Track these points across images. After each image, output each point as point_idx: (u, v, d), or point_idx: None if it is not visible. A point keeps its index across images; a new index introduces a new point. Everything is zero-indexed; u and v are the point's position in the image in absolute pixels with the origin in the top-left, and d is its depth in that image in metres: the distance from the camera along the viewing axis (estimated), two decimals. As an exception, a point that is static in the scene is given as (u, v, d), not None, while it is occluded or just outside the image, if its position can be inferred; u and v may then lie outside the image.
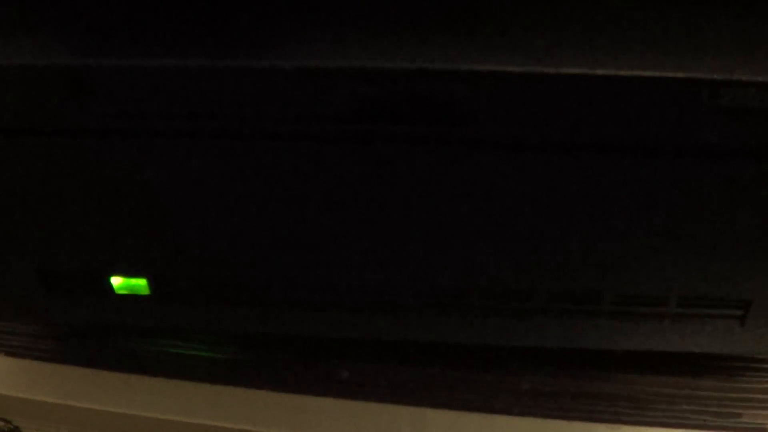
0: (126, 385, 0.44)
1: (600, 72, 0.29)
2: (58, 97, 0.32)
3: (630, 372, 0.42)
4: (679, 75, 0.29)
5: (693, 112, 0.29)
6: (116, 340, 0.45)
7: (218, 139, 0.33)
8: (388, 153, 0.32)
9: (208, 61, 0.31)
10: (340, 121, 0.31)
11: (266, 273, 0.39)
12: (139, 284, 0.40)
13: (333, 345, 0.43)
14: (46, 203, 0.36)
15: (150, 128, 0.33)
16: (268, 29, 0.32)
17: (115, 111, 0.32)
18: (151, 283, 0.40)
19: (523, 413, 0.41)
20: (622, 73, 0.29)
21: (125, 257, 0.39)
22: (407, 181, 0.33)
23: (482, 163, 0.32)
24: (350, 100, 0.31)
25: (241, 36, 0.32)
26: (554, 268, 0.36)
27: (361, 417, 0.41)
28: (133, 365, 0.44)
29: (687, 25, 0.30)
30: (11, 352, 0.46)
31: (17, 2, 0.33)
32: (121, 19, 0.33)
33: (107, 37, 0.32)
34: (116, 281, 0.40)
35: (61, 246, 0.38)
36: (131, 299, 0.41)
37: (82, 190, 0.35)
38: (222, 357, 0.44)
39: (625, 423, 0.40)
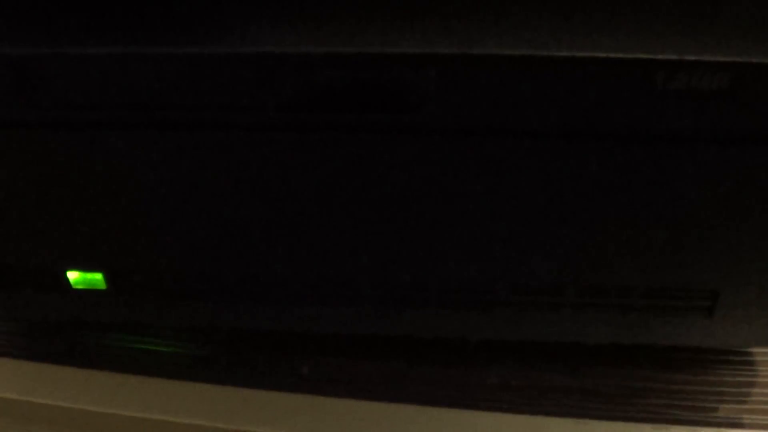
0: (88, 382, 0.43)
1: (550, 54, 0.28)
2: (2, 88, 0.31)
3: (599, 366, 0.41)
4: (632, 56, 0.28)
5: (648, 95, 0.28)
6: (78, 335, 0.44)
7: (170, 129, 0.32)
8: (341, 141, 0.32)
9: (156, 49, 0.30)
10: (293, 108, 0.31)
11: (223, 266, 0.38)
12: (96, 278, 0.39)
13: (294, 340, 0.42)
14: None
15: (100, 119, 0.32)
16: (214, 15, 0.31)
17: (64, 102, 0.32)
18: (108, 277, 0.39)
19: (490, 408, 0.40)
20: (571, 54, 0.28)
21: (80, 251, 0.38)
22: (362, 170, 0.32)
23: (438, 150, 0.31)
24: (302, 87, 0.30)
25: (187, 22, 0.31)
26: (515, 259, 0.35)
27: (323, 413, 0.40)
28: (95, 361, 0.43)
29: (641, 5, 0.29)
30: (-30, 349, 0.45)
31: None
32: (66, 7, 0.32)
33: (51, 25, 0.31)
34: (73, 276, 0.39)
35: (14, 240, 0.37)
36: (89, 294, 0.40)
37: (34, 183, 0.35)
38: (183, 352, 0.43)
39: (594, 417, 0.39)
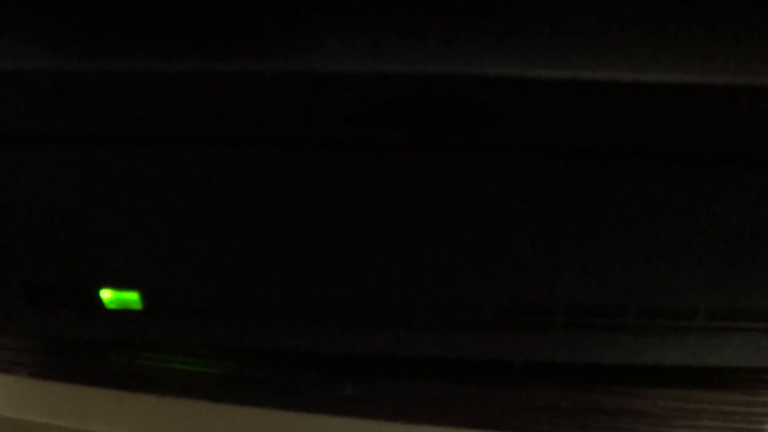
0: (118, 403, 0.41)
1: (633, 77, 0.27)
2: (43, 102, 0.30)
3: (651, 387, 0.40)
4: (720, 80, 0.26)
5: (734, 119, 0.27)
6: (107, 355, 0.43)
7: (213, 146, 0.31)
8: (400, 161, 0.30)
9: (207, 65, 0.29)
10: (351, 127, 0.29)
11: (265, 286, 0.36)
12: (131, 298, 0.38)
13: (337, 359, 0.41)
14: (30, 212, 0.34)
15: (143, 135, 0.31)
16: (273, 31, 0.29)
17: (107, 117, 0.30)
18: (144, 297, 0.38)
19: (538, 431, 0.39)
20: (653, 78, 0.27)
21: (115, 269, 0.36)
22: (415, 190, 0.31)
23: (506, 169, 0.30)
24: (360, 105, 0.29)
25: (244, 37, 0.29)
26: (573, 280, 0.34)
27: (367, 436, 0.39)
28: (125, 382, 0.42)
29: (729, 30, 0.28)
30: (-4, 368, 0.43)
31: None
32: (111, 20, 0.30)
33: (97, 38, 0.30)
34: (106, 295, 0.38)
35: (47, 257, 0.36)
36: (122, 314, 0.38)
37: (69, 199, 0.33)
38: (219, 373, 0.42)
39: (646, 440, 0.39)
